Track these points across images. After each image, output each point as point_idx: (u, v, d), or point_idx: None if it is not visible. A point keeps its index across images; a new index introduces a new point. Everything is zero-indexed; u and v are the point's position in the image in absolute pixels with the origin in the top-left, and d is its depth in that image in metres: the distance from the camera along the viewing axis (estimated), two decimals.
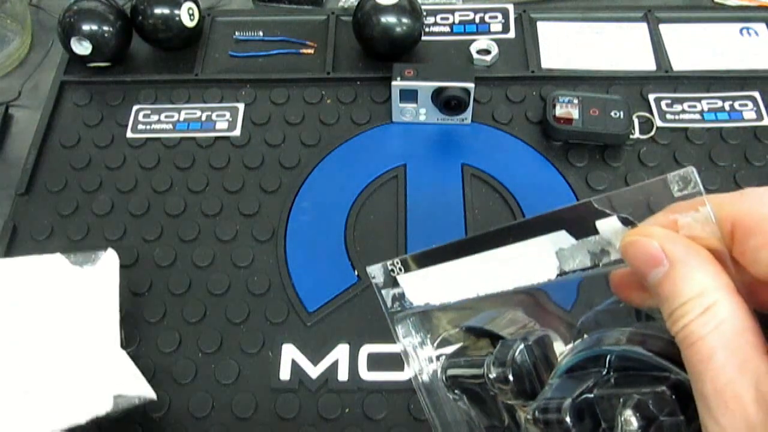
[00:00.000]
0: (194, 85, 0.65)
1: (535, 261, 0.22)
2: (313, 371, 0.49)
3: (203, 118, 0.63)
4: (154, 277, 0.54)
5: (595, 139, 0.58)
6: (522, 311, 0.26)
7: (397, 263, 0.25)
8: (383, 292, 0.27)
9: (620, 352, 0.20)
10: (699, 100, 0.62)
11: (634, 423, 0.18)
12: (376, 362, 0.49)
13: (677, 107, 0.61)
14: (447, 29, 0.68)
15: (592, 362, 0.21)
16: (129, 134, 0.62)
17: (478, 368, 0.24)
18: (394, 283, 0.26)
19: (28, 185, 0.59)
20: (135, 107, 0.64)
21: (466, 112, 0.60)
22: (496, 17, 0.68)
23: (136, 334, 0.51)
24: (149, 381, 0.49)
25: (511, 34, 0.67)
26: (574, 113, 0.58)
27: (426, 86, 0.58)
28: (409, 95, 0.59)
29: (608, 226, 0.20)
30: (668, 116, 0.61)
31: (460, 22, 0.68)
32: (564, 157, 0.59)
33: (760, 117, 0.60)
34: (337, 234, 0.55)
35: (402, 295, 0.26)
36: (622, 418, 0.18)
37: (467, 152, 0.59)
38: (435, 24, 0.68)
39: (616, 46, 0.66)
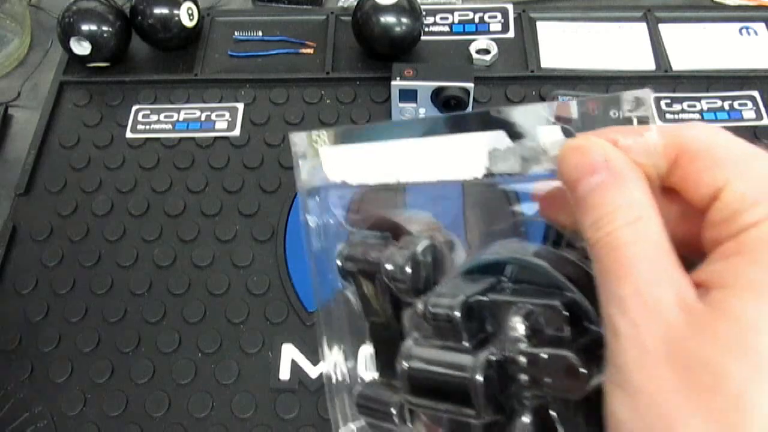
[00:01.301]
0: (194, 85, 0.65)
1: (466, 156, 0.21)
2: (313, 371, 0.49)
3: (203, 118, 0.63)
4: (154, 277, 0.54)
5: None
6: (432, 214, 0.25)
7: (323, 135, 0.24)
8: (300, 162, 0.25)
9: (523, 262, 0.20)
10: (698, 99, 0.62)
11: (520, 330, 0.18)
12: None
13: (677, 107, 0.61)
14: (446, 29, 0.68)
15: (491, 268, 0.21)
16: (128, 134, 0.62)
17: (376, 259, 0.24)
18: (315, 155, 0.25)
19: (28, 185, 0.59)
20: (134, 107, 0.64)
21: (465, 111, 0.60)
22: (495, 17, 0.68)
23: (136, 335, 0.51)
24: (149, 381, 0.49)
25: (511, 34, 0.67)
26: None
27: (425, 86, 0.58)
28: (408, 95, 0.59)
29: (549, 133, 0.19)
30: (668, 116, 0.61)
31: (460, 22, 0.68)
32: None
33: (759, 116, 0.60)
34: None
35: (319, 169, 0.25)
36: (510, 324, 0.18)
37: None
38: (434, 24, 0.68)
39: (615, 46, 0.66)
